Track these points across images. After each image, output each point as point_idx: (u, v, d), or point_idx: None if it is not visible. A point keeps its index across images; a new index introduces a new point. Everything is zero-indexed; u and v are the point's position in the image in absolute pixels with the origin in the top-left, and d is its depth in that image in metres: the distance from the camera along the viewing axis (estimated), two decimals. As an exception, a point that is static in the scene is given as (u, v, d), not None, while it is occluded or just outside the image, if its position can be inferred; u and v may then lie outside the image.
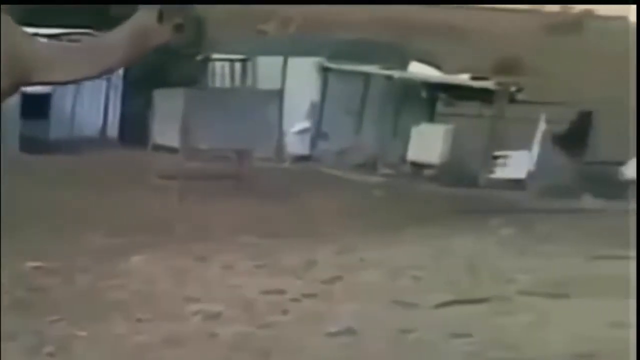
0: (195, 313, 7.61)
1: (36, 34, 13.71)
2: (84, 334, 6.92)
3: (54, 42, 11.42)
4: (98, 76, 12.82)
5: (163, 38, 10.81)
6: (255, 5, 26.72)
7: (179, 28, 10.33)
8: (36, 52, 11.28)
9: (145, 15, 10.39)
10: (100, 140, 20.12)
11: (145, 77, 18.37)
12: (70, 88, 17.59)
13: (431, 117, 20.56)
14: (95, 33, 19.85)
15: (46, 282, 8.34)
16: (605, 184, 15.93)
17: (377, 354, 6.96)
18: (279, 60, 20.63)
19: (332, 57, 20.51)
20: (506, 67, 25.65)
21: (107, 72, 11.38)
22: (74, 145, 18.40)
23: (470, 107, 20.10)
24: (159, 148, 15.00)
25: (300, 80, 20.11)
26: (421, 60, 21.01)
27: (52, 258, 9.05)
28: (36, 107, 17.28)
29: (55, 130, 19.38)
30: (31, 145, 15.66)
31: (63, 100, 19.51)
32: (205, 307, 7.74)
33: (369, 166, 18.72)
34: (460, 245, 10.68)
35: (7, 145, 11.06)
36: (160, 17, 10.25)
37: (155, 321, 7.34)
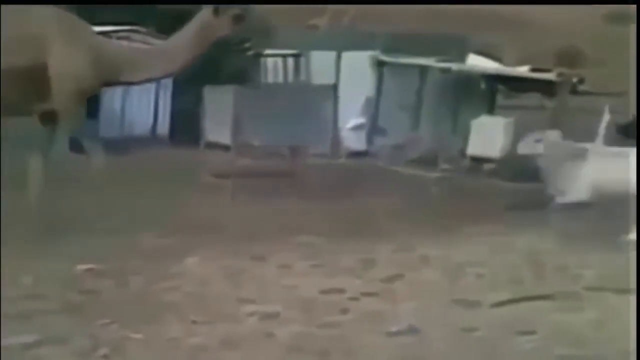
0: (251, 314, 7.49)
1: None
2: (138, 336, 6.82)
3: (133, 45, 11.59)
4: (171, 75, 13.03)
5: (224, 30, 10.96)
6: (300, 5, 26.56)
7: (238, 18, 10.39)
8: (120, 54, 11.50)
9: (204, 13, 10.50)
10: (150, 139, 20.13)
11: (195, 74, 18.31)
12: (119, 87, 17.59)
13: (491, 110, 20.28)
14: (142, 30, 20.00)
15: (98, 285, 8.26)
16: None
17: (439, 353, 6.80)
18: (332, 54, 20.49)
19: (387, 51, 20.32)
20: (567, 57, 25.27)
21: (180, 70, 11.58)
22: (125, 144, 18.41)
23: (531, 99, 19.85)
24: (211, 146, 14.92)
25: (354, 75, 19.96)
26: (480, 52, 20.75)
27: (104, 260, 8.97)
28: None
29: (105, 129, 19.39)
30: (81, 145, 15.55)
31: (112, 99, 19.54)
32: (261, 308, 7.62)
33: (427, 161, 18.48)
34: (522, 241, 10.47)
35: (57, 145, 11.07)
36: (217, 12, 10.33)
37: (210, 323, 7.22)
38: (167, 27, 21.25)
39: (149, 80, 12.40)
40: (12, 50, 10.43)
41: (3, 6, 10.61)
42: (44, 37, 10.55)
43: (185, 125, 18.73)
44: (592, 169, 11.27)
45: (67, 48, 10.61)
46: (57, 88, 10.57)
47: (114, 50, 11.25)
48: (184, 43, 10.86)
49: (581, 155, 11.51)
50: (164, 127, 21.09)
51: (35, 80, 10.50)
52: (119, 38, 20.35)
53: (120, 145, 18.23)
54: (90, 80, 10.86)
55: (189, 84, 19.01)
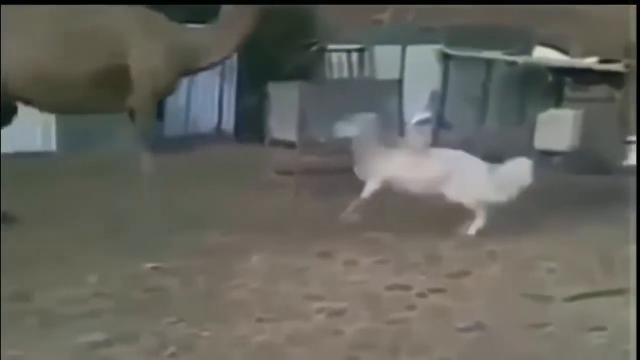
0: (318, 311, 7.45)
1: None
2: (205, 334, 6.82)
3: (198, 29, 11.68)
4: (228, 57, 13.07)
5: None
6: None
7: None
8: (192, 42, 11.60)
9: None
10: (215, 137, 20.15)
11: (259, 70, 18.32)
12: (184, 84, 17.64)
13: (559, 103, 20.03)
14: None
15: (164, 283, 8.28)
16: None
17: (508, 349, 6.71)
18: (397, 49, 20.34)
19: (452, 44, 20.14)
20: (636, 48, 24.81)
21: (242, 42, 11.65)
22: (189, 142, 18.47)
23: (600, 91, 19.55)
24: (276, 143, 14.90)
25: (419, 69, 19.80)
26: (546, 44, 20.49)
27: (170, 258, 8.98)
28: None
29: (170, 127, 19.47)
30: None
31: (177, 97, 19.63)
32: (328, 305, 7.58)
33: (495, 156, 18.29)
34: (593, 235, 10.31)
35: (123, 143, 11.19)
36: None
37: (277, 320, 7.19)
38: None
39: (212, 65, 12.35)
40: (92, 52, 10.53)
41: (75, 6, 10.72)
42: (124, 38, 10.61)
43: (250, 123, 18.75)
44: (393, 164, 11.04)
45: (146, 46, 10.67)
46: (137, 88, 10.63)
47: (188, 39, 11.28)
48: (230, 22, 10.92)
49: (389, 146, 11.33)
50: (228, 125, 21.12)
51: (116, 81, 10.58)
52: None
53: (185, 142, 18.31)
54: (168, 77, 10.95)
55: (253, 81, 19.03)
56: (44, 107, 11.10)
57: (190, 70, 11.67)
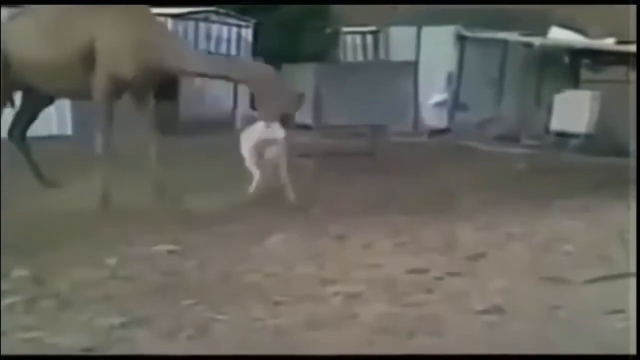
0: (335, 294, 7.41)
1: (163, 14, 13.97)
2: (222, 317, 6.80)
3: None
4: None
5: None
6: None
7: None
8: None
9: None
10: (231, 120, 20.17)
11: (274, 53, 18.27)
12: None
13: (576, 84, 19.98)
14: (221, 10, 20.05)
15: (181, 266, 8.27)
16: None
17: (526, 331, 6.67)
18: (412, 30, 20.28)
19: (468, 25, 20.08)
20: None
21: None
22: (205, 126, 18.48)
23: (618, 73, 19.48)
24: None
25: (435, 51, 19.76)
26: (563, 25, 20.42)
27: (186, 241, 8.98)
28: (165, 88, 17.45)
29: (185, 111, 19.51)
30: (161, 127, 15.81)
31: (192, 80, 19.67)
32: (345, 288, 7.54)
33: (511, 137, 18.28)
34: (611, 218, 10.27)
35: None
36: None
37: (294, 303, 7.16)
38: (245, 8, 21.36)
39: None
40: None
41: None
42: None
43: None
44: None
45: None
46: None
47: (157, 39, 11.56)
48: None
49: None
50: (244, 108, 21.11)
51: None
52: (198, 20, 20.49)
53: (201, 126, 18.32)
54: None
55: (269, 63, 19.00)
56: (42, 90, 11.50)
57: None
